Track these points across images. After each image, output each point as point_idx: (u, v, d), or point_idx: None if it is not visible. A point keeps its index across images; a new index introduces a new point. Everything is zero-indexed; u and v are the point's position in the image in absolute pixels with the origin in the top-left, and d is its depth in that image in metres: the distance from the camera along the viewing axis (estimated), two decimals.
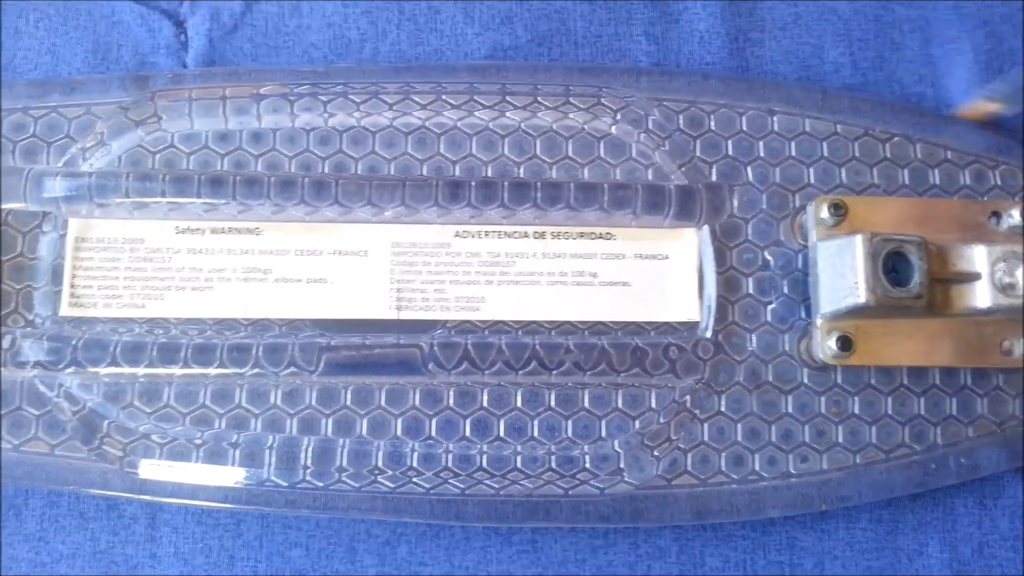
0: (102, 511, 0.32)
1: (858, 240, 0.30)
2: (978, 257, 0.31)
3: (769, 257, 0.33)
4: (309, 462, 0.30)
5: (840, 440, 0.32)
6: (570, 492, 0.31)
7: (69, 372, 0.30)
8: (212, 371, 0.30)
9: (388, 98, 0.33)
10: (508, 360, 0.31)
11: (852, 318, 0.31)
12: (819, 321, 0.31)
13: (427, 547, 0.32)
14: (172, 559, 0.32)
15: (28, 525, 0.32)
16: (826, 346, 0.31)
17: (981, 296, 0.31)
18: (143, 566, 0.32)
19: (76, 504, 0.32)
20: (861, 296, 0.30)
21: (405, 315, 0.31)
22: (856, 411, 0.32)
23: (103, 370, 0.29)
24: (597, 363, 0.31)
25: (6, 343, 0.30)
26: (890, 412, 0.32)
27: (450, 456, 0.31)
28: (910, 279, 0.30)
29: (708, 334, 0.32)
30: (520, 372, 0.31)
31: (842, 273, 0.30)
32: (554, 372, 0.31)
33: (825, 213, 0.32)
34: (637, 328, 0.32)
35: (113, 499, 0.32)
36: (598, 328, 0.32)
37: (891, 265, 0.30)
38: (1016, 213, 0.32)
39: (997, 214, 0.32)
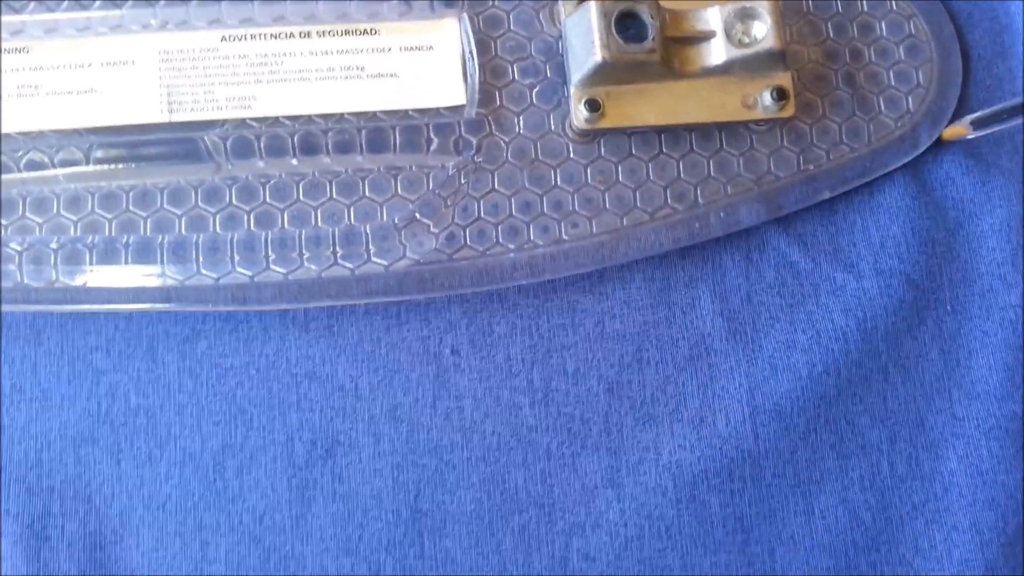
0: None
1: (592, 5, 0.32)
2: (712, 17, 0.33)
3: (531, 45, 0.35)
4: (94, 262, 0.32)
5: (607, 206, 0.34)
6: (356, 271, 0.33)
7: None
8: None
9: None
10: (284, 148, 0.33)
11: (599, 83, 0.33)
12: (572, 90, 0.33)
13: (226, 340, 0.33)
14: None
15: None
16: (578, 112, 0.33)
17: (716, 53, 0.33)
18: None
19: None
20: (598, 54, 0.32)
21: (177, 117, 0.32)
22: (620, 179, 0.34)
23: None
24: (372, 146, 0.33)
25: None
26: (652, 177, 0.34)
27: (235, 247, 0.32)
28: (646, 38, 0.32)
29: (474, 115, 0.34)
30: (297, 158, 0.33)
31: (584, 40, 0.32)
32: (331, 156, 0.33)
33: None
34: (407, 115, 0.34)
35: None
36: (370, 116, 0.33)
37: (630, 30, 0.32)
38: None
39: None
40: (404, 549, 0.32)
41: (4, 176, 0.32)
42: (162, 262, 0.32)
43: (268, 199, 0.33)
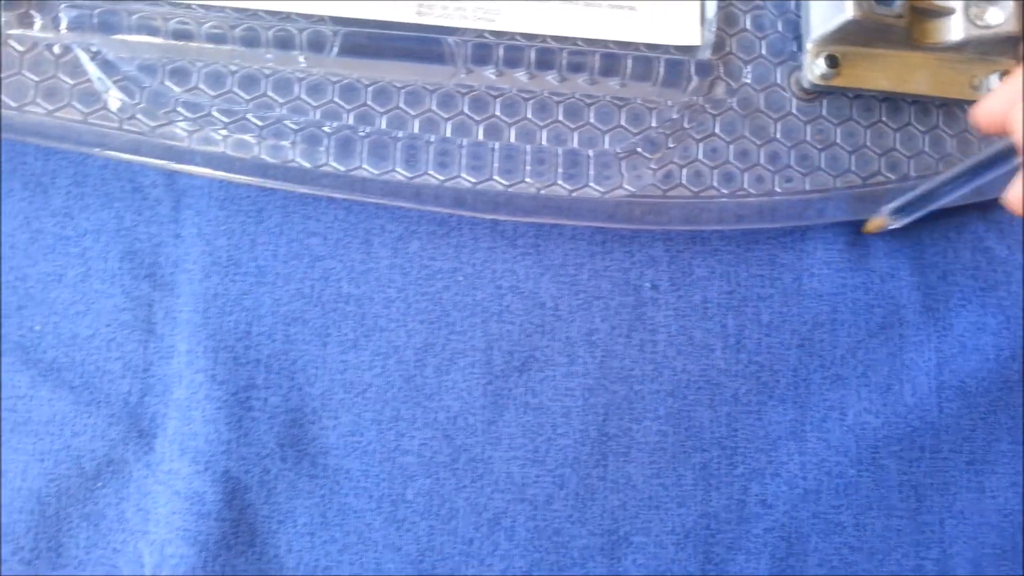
0: (127, 192, 0.34)
1: None
2: None
3: None
4: (331, 147, 0.32)
5: (822, 165, 0.35)
6: (573, 193, 0.33)
7: (99, 40, 0.31)
8: (233, 49, 0.32)
9: None
10: (520, 62, 0.33)
11: (838, 42, 0.33)
12: (809, 46, 0.34)
13: (437, 244, 0.34)
14: (195, 239, 0.33)
15: (54, 201, 0.34)
16: (815, 67, 0.33)
17: (955, 29, 0.33)
18: (167, 244, 0.33)
19: (102, 184, 0.34)
20: (850, 11, 0.32)
21: (425, 20, 0.33)
22: (838, 140, 0.35)
23: (131, 37, 0.31)
24: (604, 71, 0.33)
25: (46, 16, 0.31)
26: (868, 143, 0.35)
27: (463, 153, 0.33)
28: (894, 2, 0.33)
29: (707, 57, 0.34)
30: (531, 73, 0.33)
31: None
32: (563, 75, 0.33)
33: None
34: (639, 48, 0.34)
35: (139, 182, 0.34)
36: (603, 44, 0.34)
37: None
38: None
39: None
40: (588, 468, 0.33)
41: (248, 50, 0.32)
42: (393, 158, 0.32)
43: (498, 112, 0.33)
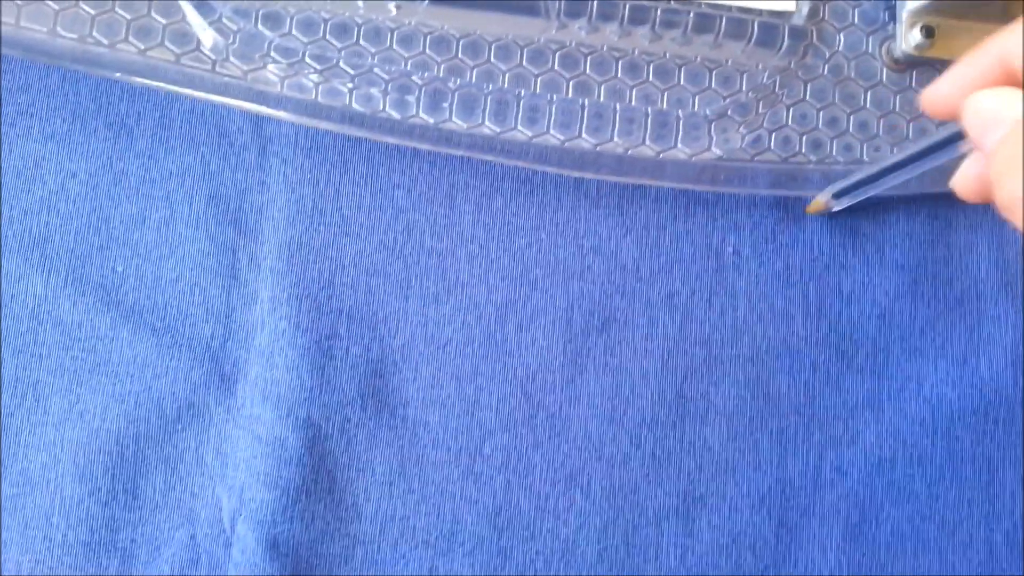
0: (213, 138, 0.34)
1: None
2: None
3: None
4: (421, 97, 0.32)
5: (910, 136, 0.34)
6: (661, 155, 0.33)
7: None
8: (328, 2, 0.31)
9: None
10: (613, 16, 0.33)
11: (934, 14, 0.33)
12: (905, 15, 0.33)
13: (520, 202, 0.34)
14: (281, 186, 0.33)
15: (139, 143, 0.33)
16: (910, 36, 0.33)
17: None
18: (252, 191, 0.33)
19: (188, 129, 0.34)
20: None
21: None
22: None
23: None
24: (699, 30, 0.33)
25: None
26: None
27: (552, 110, 0.33)
28: None
29: (801, 23, 0.34)
30: (623, 28, 0.33)
31: None
32: (657, 34, 0.33)
33: None
34: (732, 11, 0.34)
35: (225, 127, 0.34)
36: (697, 5, 0.34)
37: None
38: None
39: None
40: (665, 429, 0.33)
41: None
42: (482, 112, 0.32)
43: (588, 70, 0.33)
